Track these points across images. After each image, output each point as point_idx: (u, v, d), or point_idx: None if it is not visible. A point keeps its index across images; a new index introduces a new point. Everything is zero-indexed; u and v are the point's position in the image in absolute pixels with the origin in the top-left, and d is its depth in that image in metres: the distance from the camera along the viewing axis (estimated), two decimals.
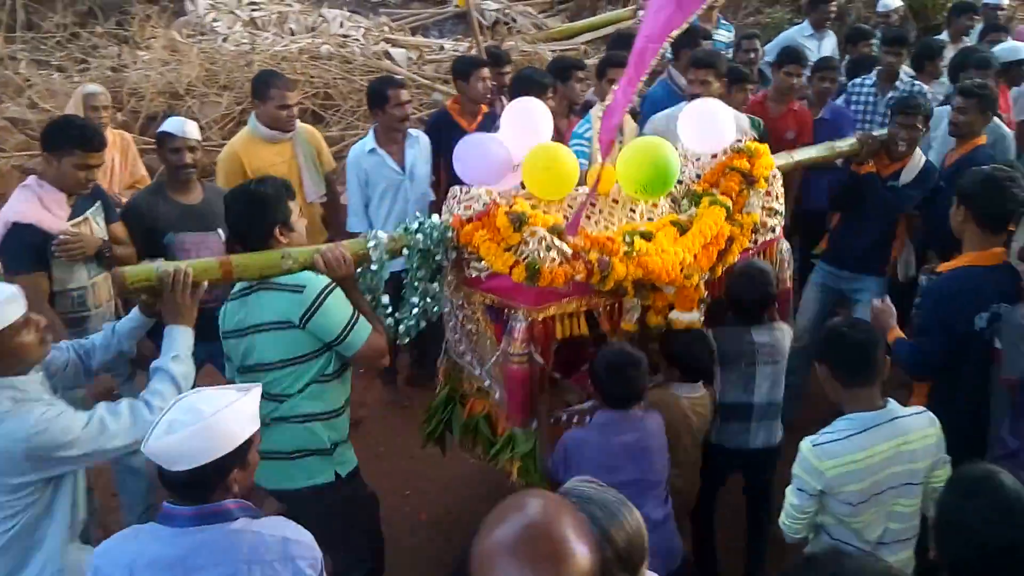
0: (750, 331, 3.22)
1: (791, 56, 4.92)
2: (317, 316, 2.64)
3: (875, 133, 4.20)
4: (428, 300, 3.08)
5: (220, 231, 3.62)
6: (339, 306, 2.68)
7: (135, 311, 2.76)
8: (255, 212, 2.74)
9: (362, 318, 2.75)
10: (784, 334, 3.32)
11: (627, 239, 2.97)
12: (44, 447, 2.22)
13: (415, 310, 3.04)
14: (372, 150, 4.37)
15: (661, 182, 3.09)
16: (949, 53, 5.61)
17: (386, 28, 8.56)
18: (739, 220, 3.28)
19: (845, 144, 4.14)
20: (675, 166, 3.10)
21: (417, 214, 3.08)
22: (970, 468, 1.84)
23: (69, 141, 3.31)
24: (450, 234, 3.00)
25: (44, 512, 2.35)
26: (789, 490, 2.55)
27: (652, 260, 2.94)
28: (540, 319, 2.94)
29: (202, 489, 1.89)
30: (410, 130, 4.48)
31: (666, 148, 3.09)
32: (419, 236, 2.95)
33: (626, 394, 2.82)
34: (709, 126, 3.44)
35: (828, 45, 6.36)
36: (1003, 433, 2.73)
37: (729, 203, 3.25)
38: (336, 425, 2.86)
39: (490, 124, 4.63)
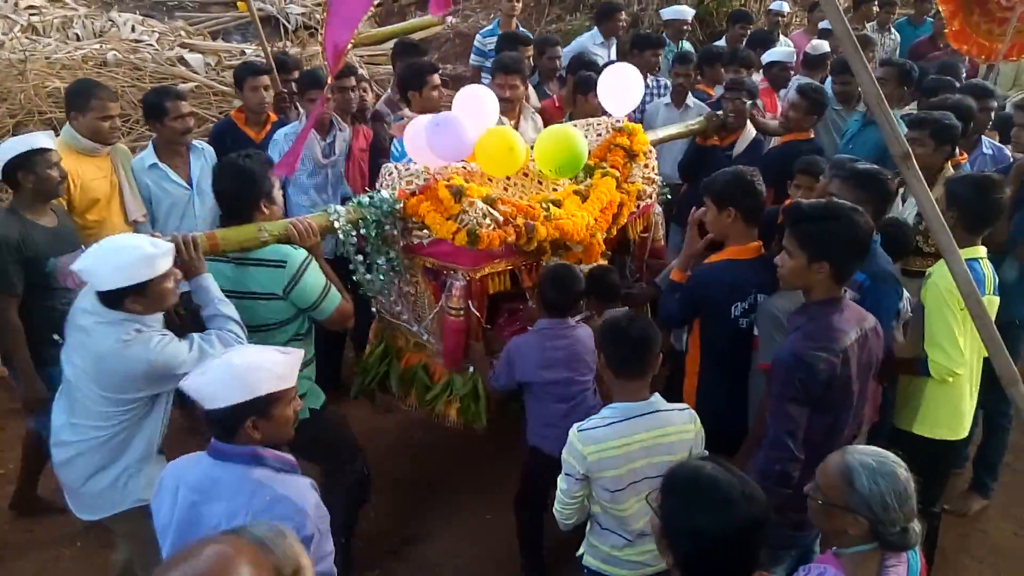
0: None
1: (583, 64, 5.27)
2: (298, 287, 3.00)
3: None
4: (389, 258, 3.46)
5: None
6: (315, 278, 3.05)
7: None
8: (243, 185, 3.03)
9: (333, 288, 3.14)
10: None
11: (544, 206, 3.48)
12: (160, 368, 2.61)
13: (382, 266, 3.45)
14: (153, 165, 4.14)
15: (574, 164, 3.61)
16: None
17: (183, 33, 8.17)
18: (626, 188, 3.86)
19: (696, 122, 4.89)
20: (584, 151, 3.62)
21: (367, 189, 3.52)
22: (679, 469, 1.91)
23: None
24: (398, 206, 3.36)
25: (136, 424, 2.75)
26: (560, 477, 2.67)
27: (566, 223, 3.47)
28: (477, 278, 3.39)
29: (224, 429, 2.16)
30: (194, 141, 4.30)
31: (577, 135, 3.60)
32: (372, 208, 3.32)
33: (562, 303, 3.27)
34: (625, 89, 4.03)
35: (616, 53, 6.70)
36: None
37: (617, 174, 3.84)
38: (307, 373, 3.20)
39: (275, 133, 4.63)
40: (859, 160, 3.30)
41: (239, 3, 6.49)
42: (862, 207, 2.92)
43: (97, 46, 7.24)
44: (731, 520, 1.76)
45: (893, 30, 8.00)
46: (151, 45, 7.53)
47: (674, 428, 2.61)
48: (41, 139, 3.43)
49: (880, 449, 2.08)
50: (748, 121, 4.89)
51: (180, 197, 4.19)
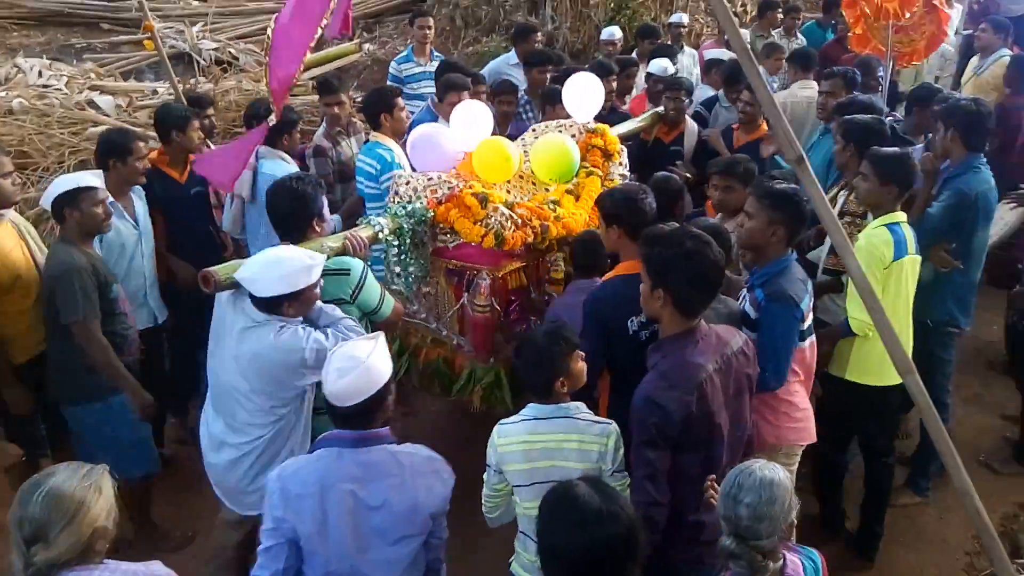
0: None
1: (505, 87, 5.58)
2: (363, 292, 3.31)
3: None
4: (421, 263, 3.76)
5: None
6: (375, 283, 3.37)
7: None
8: (299, 206, 3.27)
9: (386, 292, 3.45)
10: None
11: (552, 208, 3.86)
12: (312, 353, 2.85)
13: (412, 270, 3.73)
14: (111, 202, 3.92)
15: (569, 173, 4.04)
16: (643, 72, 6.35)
17: (92, 75, 7.98)
18: (608, 185, 4.12)
19: (647, 116, 5.40)
20: (577, 160, 4.05)
21: (397, 199, 3.83)
22: (553, 489, 1.97)
23: None
24: (430, 215, 3.67)
25: (295, 421, 3.07)
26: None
27: (570, 221, 3.83)
28: (500, 276, 3.69)
29: (368, 417, 2.38)
30: None
31: (571, 146, 4.03)
32: (407, 218, 3.62)
33: (591, 263, 3.50)
34: (590, 95, 4.48)
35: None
36: None
37: (600, 173, 4.20)
38: None
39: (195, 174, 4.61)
40: (781, 179, 3.28)
41: (146, 42, 6.37)
42: (775, 228, 3.02)
43: (3, 94, 7.03)
44: (584, 540, 1.83)
45: (799, 35, 8.27)
46: (59, 89, 7.34)
47: (581, 436, 2.62)
48: (88, 178, 3.57)
49: (764, 462, 2.15)
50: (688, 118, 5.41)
51: (130, 236, 4.11)
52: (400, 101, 4.75)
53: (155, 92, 7.42)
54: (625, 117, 5.64)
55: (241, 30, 9.61)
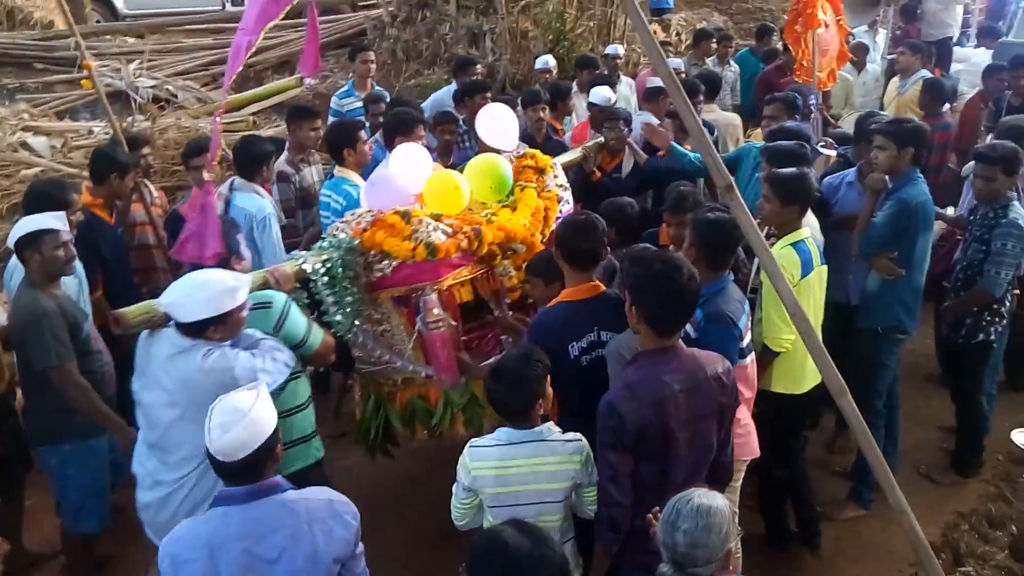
0: None
1: (446, 117, 5.74)
2: (286, 324, 3.22)
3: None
4: (356, 299, 3.61)
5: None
6: (299, 316, 3.28)
7: None
8: None
9: (315, 324, 3.37)
10: None
11: (484, 216, 3.86)
12: (242, 372, 2.83)
13: (348, 307, 3.58)
14: None
15: (504, 183, 4.10)
16: (582, 101, 6.45)
17: (26, 116, 7.82)
18: (545, 195, 4.23)
19: (589, 145, 5.46)
20: (509, 170, 4.14)
21: (324, 234, 3.73)
22: (481, 535, 2.10)
23: None
24: (356, 243, 3.57)
25: None
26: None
27: (508, 224, 3.81)
28: (445, 288, 3.61)
29: (257, 470, 2.30)
30: None
31: (499, 159, 4.15)
32: (333, 249, 3.53)
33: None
34: (503, 126, 4.53)
35: None
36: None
37: (535, 186, 4.21)
38: (308, 416, 3.47)
39: (123, 215, 4.73)
40: (720, 208, 3.35)
41: (83, 81, 6.28)
42: (705, 253, 3.18)
43: None
44: None
45: (732, 63, 8.52)
46: None
47: (556, 458, 2.76)
48: (50, 220, 3.51)
49: (705, 491, 2.20)
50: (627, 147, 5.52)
51: (71, 286, 3.91)
52: (363, 134, 4.77)
53: (91, 132, 7.32)
54: (562, 145, 5.77)
55: (179, 67, 9.52)
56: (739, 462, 3.28)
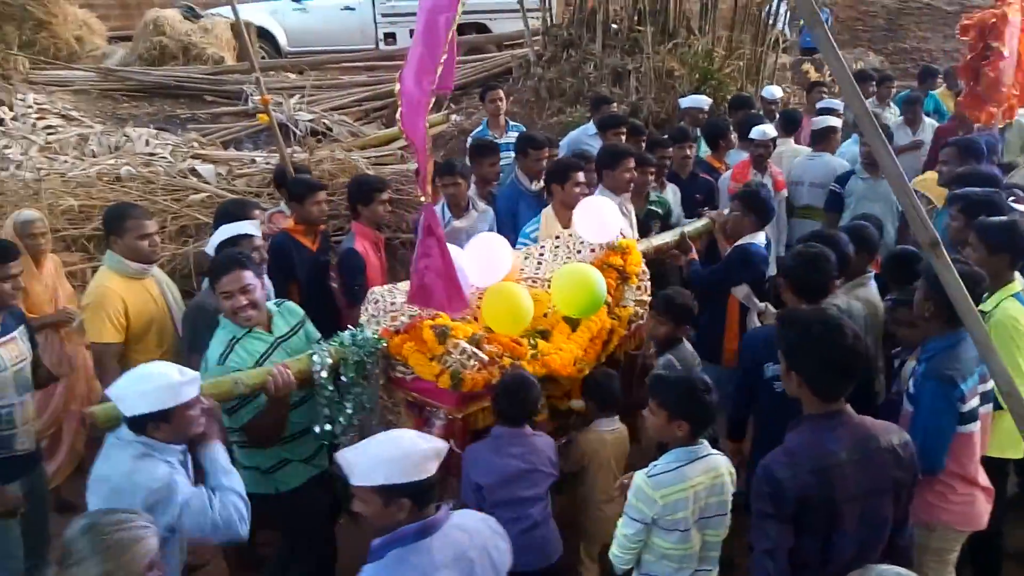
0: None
1: (583, 155, 5.43)
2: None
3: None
4: (360, 402, 3.36)
5: None
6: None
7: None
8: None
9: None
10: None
11: (531, 342, 3.46)
12: (156, 496, 2.59)
13: (349, 411, 3.33)
14: None
15: (595, 305, 3.62)
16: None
17: (195, 144, 8.39)
18: (617, 313, 3.80)
19: (700, 223, 4.85)
20: (603, 290, 3.62)
21: (349, 327, 3.46)
22: None
23: None
24: (382, 345, 3.34)
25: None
26: (621, 522, 2.85)
27: (553, 359, 3.43)
28: (460, 416, 3.31)
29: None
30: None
31: (595, 274, 3.62)
32: (354, 348, 3.29)
33: (516, 413, 3.25)
34: (600, 220, 4.06)
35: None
36: None
37: (609, 300, 3.74)
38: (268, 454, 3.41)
39: (327, 243, 4.98)
40: (962, 260, 3.22)
41: (260, 116, 6.74)
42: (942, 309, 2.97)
43: (112, 161, 7.43)
44: None
45: (892, 104, 8.10)
46: (164, 158, 7.73)
47: (722, 470, 2.88)
48: (246, 227, 3.88)
49: (887, 567, 2.00)
50: None
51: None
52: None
53: (253, 161, 7.73)
54: (709, 184, 5.68)
55: (335, 102, 10.01)
56: (950, 530, 3.05)
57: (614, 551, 2.89)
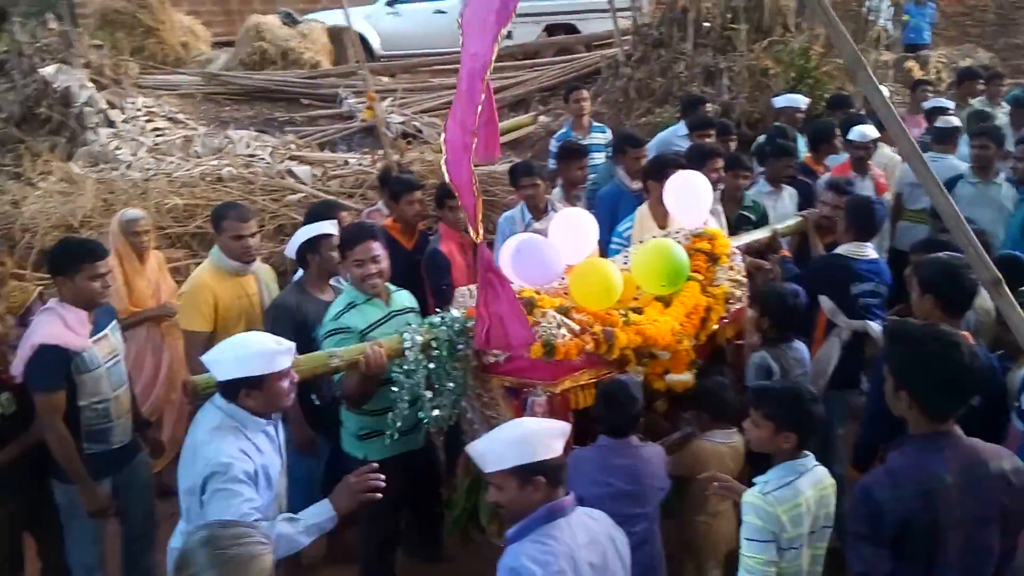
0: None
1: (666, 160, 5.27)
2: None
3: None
4: (458, 383, 3.39)
5: None
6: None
7: (325, 507, 2.82)
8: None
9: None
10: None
11: (623, 313, 3.42)
12: (212, 472, 2.64)
13: (451, 391, 3.37)
14: None
15: (679, 273, 3.60)
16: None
17: (292, 146, 8.66)
18: (712, 292, 3.77)
19: (792, 222, 4.77)
20: (682, 254, 3.63)
21: (437, 310, 3.55)
22: None
23: (77, 258, 3.51)
24: (469, 324, 3.33)
25: None
26: (747, 550, 2.64)
27: (648, 328, 3.38)
28: (558, 392, 3.24)
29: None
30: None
31: (672, 244, 3.67)
32: (443, 328, 3.33)
33: (619, 422, 3.15)
34: (693, 198, 4.09)
35: None
36: None
37: (700, 278, 3.76)
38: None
39: (424, 243, 5.01)
40: None
41: (366, 111, 6.97)
42: None
43: (214, 162, 7.76)
44: None
45: (1003, 103, 7.70)
46: (263, 159, 8.02)
47: (826, 483, 2.77)
48: (326, 227, 3.97)
49: None
50: None
51: None
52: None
53: (346, 163, 7.93)
54: (808, 186, 5.49)
55: (425, 104, 10.16)
56: None
57: None
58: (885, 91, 7.63)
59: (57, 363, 3.42)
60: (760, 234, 4.63)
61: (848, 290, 4.06)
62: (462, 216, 4.78)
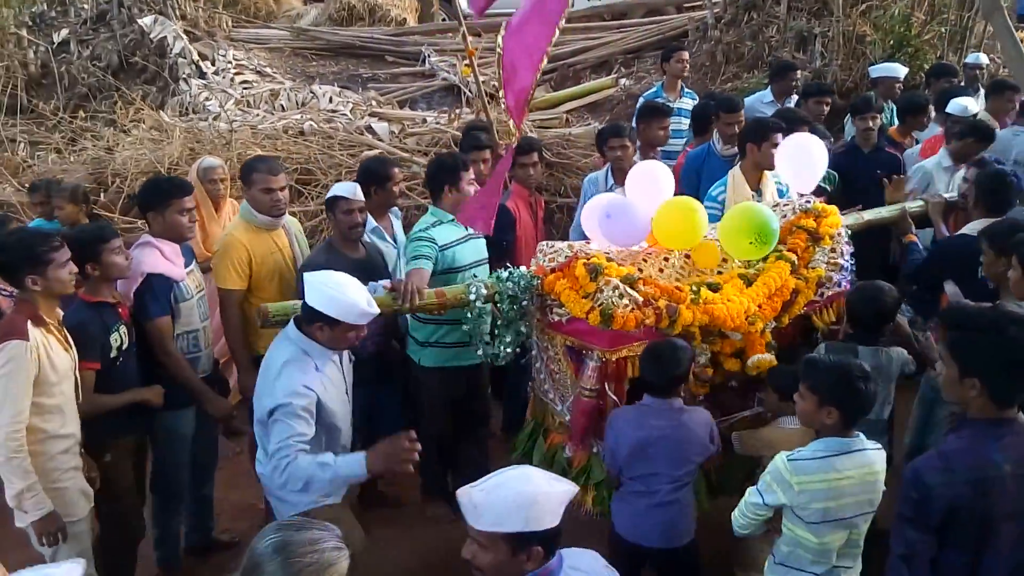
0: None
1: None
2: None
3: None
4: (519, 332, 3.66)
5: (383, 282, 3.72)
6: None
7: (360, 466, 2.90)
8: (433, 173, 4.11)
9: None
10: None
11: (694, 289, 3.35)
12: (280, 401, 2.89)
13: (508, 339, 3.63)
14: (374, 228, 4.33)
15: (767, 236, 3.42)
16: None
17: (374, 102, 8.75)
18: (804, 275, 3.60)
19: (916, 204, 4.45)
20: (769, 214, 3.47)
21: (508, 265, 3.70)
22: None
23: (167, 193, 3.72)
24: (535, 282, 3.52)
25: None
26: (751, 490, 2.74)
27: (718, 308, 3.29)
28: (613, 359, 3.27)
29: None
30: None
31: (761, 210, 3.50)
32: (509, 284, 3.52)
33: (662, 382, 3.13)
34: (807, 162, 3.97)
35: None
36: None
37: (794, 258, 3.59)
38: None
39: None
40: None
41: (464, 68, 7.03)
42: None
43: (298, 116, 7.91)
44: None
45: None
46: (345, 115, 8.13)
47: (878, 467, 2.66)
48: (341, 188, 3.99)
49: None
50: None
51: (390, 254, 4.38)
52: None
53: (424, 121, 7.97)
54: (894, 158, 5.23)
55: None
56: None
57: (735, 513, 2.81)
58: (984, 59, 7.20)
59: (164, 290, 3.65)
60: (886, 212, 4.38)
61: (976, 273, 3.70)
62: (532, 173, 4.85)
